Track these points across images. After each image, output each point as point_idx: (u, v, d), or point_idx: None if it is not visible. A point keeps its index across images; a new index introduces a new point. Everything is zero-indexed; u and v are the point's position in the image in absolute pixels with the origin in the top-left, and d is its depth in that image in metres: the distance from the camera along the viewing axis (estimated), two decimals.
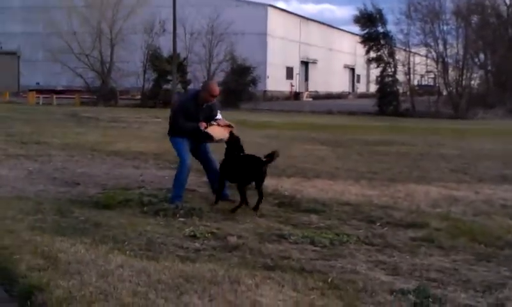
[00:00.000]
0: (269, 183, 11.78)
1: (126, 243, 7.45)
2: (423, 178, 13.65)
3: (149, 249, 7.26)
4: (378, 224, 8.94)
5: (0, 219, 8.31)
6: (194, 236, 7.89)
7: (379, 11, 49.32)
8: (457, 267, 7.00)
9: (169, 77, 49.89)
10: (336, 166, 15.13)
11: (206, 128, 9.98)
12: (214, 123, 10.15)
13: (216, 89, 10.21)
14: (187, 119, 9.91)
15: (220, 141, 10.00)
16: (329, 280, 6.32)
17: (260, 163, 9.64)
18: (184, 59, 51.10)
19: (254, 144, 19.21)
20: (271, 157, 9.67)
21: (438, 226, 8.78)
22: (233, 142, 9.93)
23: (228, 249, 7.40)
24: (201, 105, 10.01)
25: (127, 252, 7.06)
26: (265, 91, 59.95)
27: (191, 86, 50.61)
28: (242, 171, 9.59)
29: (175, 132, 10.08)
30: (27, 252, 6.83)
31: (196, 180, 11.78)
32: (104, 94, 50.90)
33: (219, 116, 10.31)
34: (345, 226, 8.81)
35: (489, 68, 55.75)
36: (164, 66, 49.00)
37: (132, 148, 16.70)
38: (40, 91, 53.58)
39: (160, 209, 9.18)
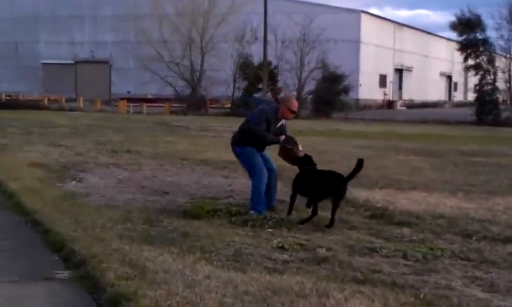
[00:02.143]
0: (361, 194, 11.64)
1: (213, 253, 7.38)
2: None
3: (236, 260, 7.17)
4: (475, 238, 8.59)
5: (89, 227, 8.38)
6: (282, 248, 7.76)
7: (478, 17, 48.04)
8: None
9: (259, 86, 50.00)
10: (431, 178, 14.72)
11: (285, 140, 9.81)
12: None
13: (296, 105, 10.07)
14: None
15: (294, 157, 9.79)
16: (422, 296, 6.09)
17: (341, 180, 9.42)
18: (275, 67, 51.14)
19: (345, 154, 19.04)
20: (357, 168, 9.42)
21: None
22: (305, 159, 9.76)
23: (317, 261, 7.24)
24: (279, 121, 9.87)
25: (214, 262, 6.99)
26: (357, 100, 59.42)
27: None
28: (319, 186, 9.39)
29: (245, 141, 9.87)
30: (115, 260, 6.83)
31: (286, 191, 11.63)
32: (193, 102, 51.39)
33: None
34: (440, 240, 8.51)
35: None
36: (255, 74, 49.03)
37: (221, 157, 16.72)
38: (130, 100, 54.72)
39: (249, 219, 9.09)
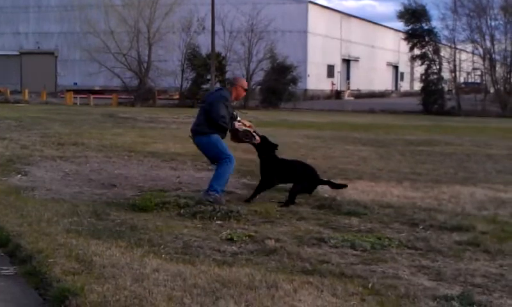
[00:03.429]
0: None
1: (162, 246, 7.32)
2: (469, 179, 13.35)
3: (185, 253, 7.13)
4: (421, 227, 8.69)
5: (35, 221, 8.24)
6: (231, 240, 7.74)
7: (423, 7, 48.75)
8: (503, 272, 6.74)
9: (207, 76, 49.89)
10: (378, 167, 14.88)
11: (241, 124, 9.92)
12: (238, 123, 10.06)
13: (246, 83, 10.34)
14: None
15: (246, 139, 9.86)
16: (370, 285, 6.12)
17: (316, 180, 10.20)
18: (223, 57, 51.06)
19: (292, 144, 19.11)
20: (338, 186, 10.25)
21: (484, 230, 8.53)
22: (263, 144, 9.95)
23: (266, 252, 7.23)
24: (233, 102, 10.12)
25: (163, 255, 6.93)
26: (305, 90, 59.68)
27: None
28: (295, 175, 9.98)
29: (210, 130, 9.90)
30: (61, 255, 6.73)
31: (235, 182, 11.64)
32: (141, 94, 51.02)
33: (238, 118, 10.23)
34: (387, 229, 8.59)
35: None
36: (203, 65, 48.92)
37: (169, 149, 16.63)
38: (77, 91, 54.03)
39: (198, 212, 9.03)
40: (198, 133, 10.07)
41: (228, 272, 6.32)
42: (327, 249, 7.48)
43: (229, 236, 7.85)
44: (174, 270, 6.34)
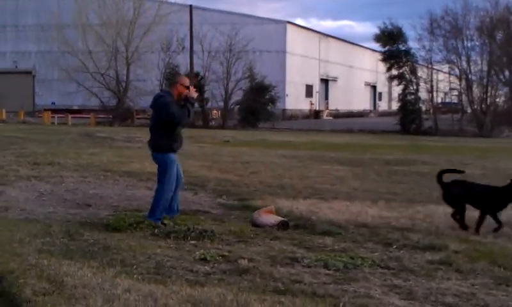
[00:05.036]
0: (284, 204, 11.70)
1: (134, 266, 7.28)
2: None
3: (158, 273, 7.10)
4: (395, 246, 8.72)
5: (7, 242, 8.17)
6: (204, 260, 7.71)
7: (400, 29, 49.21)
8: (475, 291, 6.79)
9: None
10: (354, 187, 14.93)
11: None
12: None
13: (187, 79, 10.27)
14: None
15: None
16: (341, 305, 6.14)
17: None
18: (202, 77, 51.07)
19: (269, 164, 19.17)
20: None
21: (457, 249, 8.57)
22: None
23: (239, 272, 7.22)
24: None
25: (135, 276, 6.89)
26: (284, 110, 59.85)
27: (209, 105, 50.59)
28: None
29: (165, 145, 9.75)
30: (32, 276, 6.68)
31: (210, 202, 11.63)
32: (119, 113, 50.91)
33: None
34: (361, 248, 8.60)
35: None
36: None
37: (146, 169, 16.55)
38: (55, 111, 53.75)
39: (172, 231, 9.00)
40: (155, 148, 9.93)
41: (200, 292, 6.30)
42: (300, 269, 7.48)
43: (202, 256, 7.82)
44: (145, 290, 6.31)
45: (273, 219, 9.92)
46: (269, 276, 7.08)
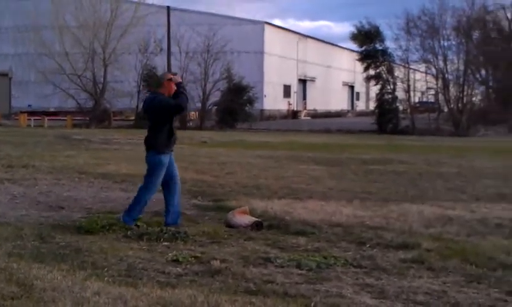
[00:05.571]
0: (259, 205, 11.68)
1: (106, 269, 7.23)
2: (419, 197, 13.47)
3: (129, 275, 7.04)
4: (368, 245, 8.74)
5: None
6: (177, 261, 7.67)
7: (377, 28, 49.33)
8: (446, 289, 6.81)
9: None
10: (330, 186, 14.93)
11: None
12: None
13: (168, 73, 10.60)
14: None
15: None
16: (313, 304, 6.14)
17: None
18: None
19: (246, 165, 19.15)
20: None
21: (430, 247, 8.58)
22: None
23: (211, 273, 7.19)
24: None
25: (106, 278, 6.83)
26: (262, 110, 59.89)
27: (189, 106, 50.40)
28: None
29: (161, 145, 9.72)
30: (1, 280, 6.60)
31: (185, 203, 11.58)
32: (96, 115, 50.65)
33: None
34: (334, 248, 8.60)
35: (491, 84, 55.84)
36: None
37: (121, 170, 16.49)
38: (31, 113, 53.29)
39: (144, 233, 8.94)
40: (149, 148, 9.90)
41: (171, 294, 6.27)
42: (272, 269, 7.47)
43: (175, 258, 7.78)
44: (115, 293, 6.26)
45: (247, 219, 9.90)
46: (241, 277, 7.06)
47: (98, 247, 8.26)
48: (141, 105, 50.34)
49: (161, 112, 9.73)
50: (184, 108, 9.97)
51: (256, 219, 9.95)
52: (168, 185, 9.96)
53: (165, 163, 9.75)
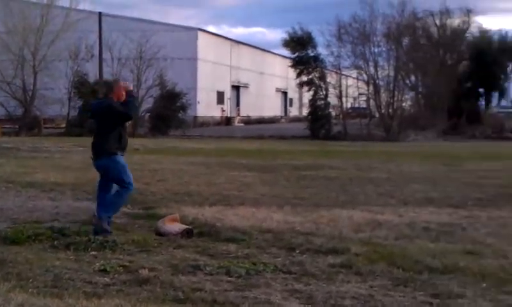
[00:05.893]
0: (190, 212, 11.64)
1: (31, 280, 7.07)
2: (349, 202, 13.60)
3: (55, 286, 6.91)
4: (298, 251, 8.77)
5: None
6: (104, 271, 7.56)
7: (309, 34, 49.62)
8: (373, 293, 6.88)
9: None
10: (261, 193, 14.96)
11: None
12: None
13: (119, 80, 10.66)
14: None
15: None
16: None
17: None
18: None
19: (178, 172, 19.05)
20: None
21: (358, 252, 8.67)
22: None
23: (139, 282, 7.10)
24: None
25: (30, 290, 6.69)
26: (195, 117, 59.69)
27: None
28: None
29: (111, 148, 9.67)
30: None
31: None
32: (26, 123, 49.51)
33: None
34: (264, 254, 8.61)
35: (420, 89, 56.94)
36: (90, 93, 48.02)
37: (50, 179, 16.18)
38: None
39: (72, 243, 8.78)
40: (99, 155, 9.81)
41: (97, 304, 6.18)
42: (202, 277, 7.43)
43: (102, 268, 7.66)
44: (40, 304, 6.13)
45: (177, 227, 9.83)
46: (170, 285, 7.00)
47: (23, 257, 8.07)
48: (72, 112, 49.81)
49: (109, 117, 9.69)
50: (131, 116, 10.00)
51: (187, 227, 9.89)
52: (105, 187, 9.94)
53: (119, 159, 9.74)
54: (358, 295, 6.74)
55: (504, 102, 64.81)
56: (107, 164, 9.77)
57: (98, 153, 9.80)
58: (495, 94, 60.95)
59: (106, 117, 9.73)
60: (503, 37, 58.91)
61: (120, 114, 9.69)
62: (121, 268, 7.68)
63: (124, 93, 9.82)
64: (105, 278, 7.30)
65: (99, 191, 10.05)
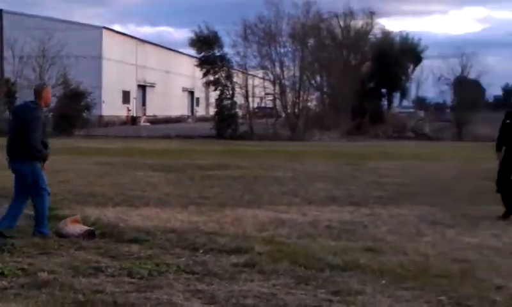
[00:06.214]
0: (93, 212, 11.48)
1: None
2: (254, 201, 13.71)
3: None
4: (201, 251, 8.77)
5: None
6: (1, 274, 7.33)
7: (215, 34, 49.69)
8: (275, 291, 6.93)
9: None
10: (166, 193, 14.89)
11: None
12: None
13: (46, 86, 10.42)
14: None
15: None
16: None
17: None
18: (12, 83, 49.02)
19: (81, 172, 18.73)
20: None
21: (262, 250, 8.74)
22: None
23: (38, 285, 6.92)
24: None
25: None
26: (100, 116, 58.79)
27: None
28: None
29: (30, 153, 9.45)
30: None
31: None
32: None
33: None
34: (168, 255, 8.56)
35: (325, 89, 57.89)
36: None
37: None
38: None
39: None
40: (17, 158, 9.56)
41: None
42: (103, 279, 7.32)
43: (0, 271, 7.45)
44: None
45: (79, 228, 9.66)
46: (70, 288, 6.85)
47: None
48: None
49: (26, 125, 9.46)
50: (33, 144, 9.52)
51: (89, 228, 9.74)
52: (22, 195, 9.79)
53: (38, 167, 9.59)
54: (260, 294, 6.78)
55: (405, 102, 66.76)
56: (28, 170, 9.59)
57: (17, 157, 9.62)
58: (397, 95, 62.74)
59: (25, 123, 9.50)
60: (404, 39, 60.79)
61: (31, 134, 9.43)
62: (19, 271, 7.49)
63: (50, 97, 9.90)
64: (3, 282, 7.10)
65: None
